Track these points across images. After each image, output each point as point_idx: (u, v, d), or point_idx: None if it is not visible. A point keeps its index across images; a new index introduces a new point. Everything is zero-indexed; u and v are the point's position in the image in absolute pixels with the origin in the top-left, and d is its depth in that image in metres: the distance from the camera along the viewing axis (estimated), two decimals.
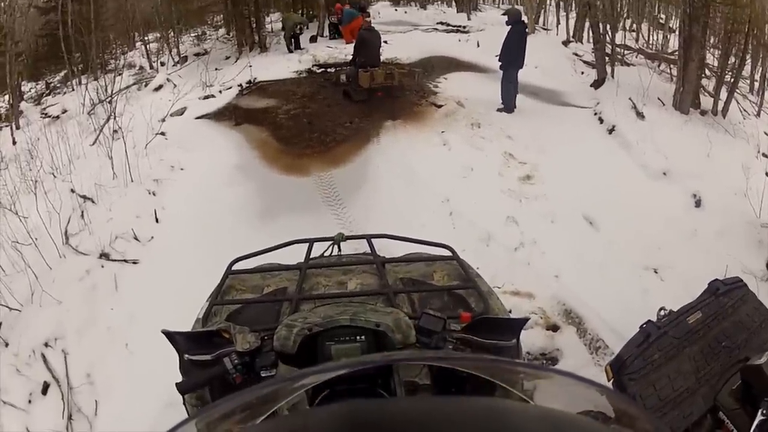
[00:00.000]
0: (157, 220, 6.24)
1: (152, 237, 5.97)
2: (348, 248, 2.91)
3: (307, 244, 2.59)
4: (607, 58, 10.10)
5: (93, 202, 6.34)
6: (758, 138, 7.74)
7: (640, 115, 8.23)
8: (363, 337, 1.65)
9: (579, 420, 0.55)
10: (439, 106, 8.93)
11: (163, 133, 8.16)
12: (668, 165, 6.79)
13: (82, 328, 4.75)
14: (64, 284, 5.14)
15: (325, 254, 2.80)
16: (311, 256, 2.55)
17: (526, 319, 1.89)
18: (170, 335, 1.79)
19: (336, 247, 2.83)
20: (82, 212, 6.05)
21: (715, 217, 5.91)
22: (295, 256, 2.52)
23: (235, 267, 2.45)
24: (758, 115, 9.11)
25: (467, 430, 0.50)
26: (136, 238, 5.86)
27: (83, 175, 6.72)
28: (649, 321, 3.00)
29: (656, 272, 5.25)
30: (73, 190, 6.46)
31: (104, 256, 5.54)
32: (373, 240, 2.61)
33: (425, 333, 1.69)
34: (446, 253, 2.48)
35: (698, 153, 7.08)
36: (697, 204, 6.23)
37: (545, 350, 4.49)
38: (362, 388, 1.55)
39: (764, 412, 2.44)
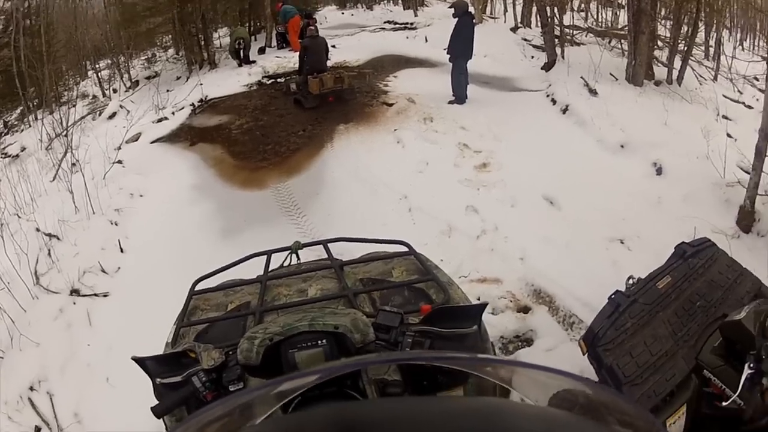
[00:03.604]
0: (122, 250, 6.12)
1: (119, 267, 5.86)
2: (311, 255, 2.98)
3: (266, 257, 2.68)
4: (556, 40, 10.14)
5: (58, 239, 6.19)
6: (716, 101, 7.84)
7: (593, 92, 8.28)
8: (324, 340, 1.67)
9: (576, 419, 0.56)
10: (391, 105, 8.87)
11: (120, 161, 8.02)
12: (625, 137, 6.83)
13: (64, 368, 4.67)
14: (39, 325, 5.04)
15: (284, 264, 2.88)
16: (271, 268, 2.65)
17: (484, 305, 1.92)
18: (140, 361, 1.81)
19: (294, 255, 2.92)
20: (49, 250, 5.92)
21: (679, 183, 5.95)
22: (256, 269, 2.62)
23: (198, 287, 2.55)
24: (715, 79, 9.28)
25: (464, 429, 0.50)
26: (103, 271, 5.75)
27: (46, 212, 6.55)
28: (618, 291, 2.99)
29: (623, 243, 5.23)
30: (38, 229, 6.29)
31: (75, 292, 5.44)
32: (330, 244, 2.73)
33: (383, 329, 1.74)
34: (403, 249, 2.59)
35: (655, 122, 7.15)
36: (659, 172, 6.24)
37: (519, 332, 4.43)
38: (332, 391, 1.55)
39: (751, 365, 2.47)
